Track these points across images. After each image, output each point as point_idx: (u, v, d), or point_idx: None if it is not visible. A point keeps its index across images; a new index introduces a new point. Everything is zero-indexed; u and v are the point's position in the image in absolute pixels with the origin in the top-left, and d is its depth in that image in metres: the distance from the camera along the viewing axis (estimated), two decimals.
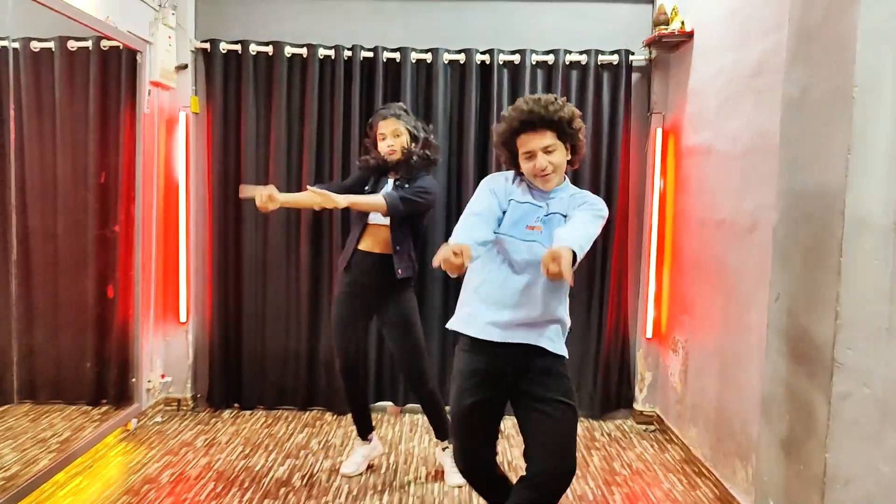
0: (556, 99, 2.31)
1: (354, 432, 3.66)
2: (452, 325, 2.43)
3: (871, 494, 2.12)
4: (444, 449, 3.52)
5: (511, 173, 2.44)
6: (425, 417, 3.55)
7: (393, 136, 3.28)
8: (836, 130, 2.11)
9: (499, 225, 2.33)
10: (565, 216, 2.33)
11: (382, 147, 3.30)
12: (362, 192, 3.36)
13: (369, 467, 3.59)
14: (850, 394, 2.12)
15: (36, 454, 3.45)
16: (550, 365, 2.32)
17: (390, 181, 3.36)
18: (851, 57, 2.04)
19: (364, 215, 3.35)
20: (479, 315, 2.33)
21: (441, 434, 3.50)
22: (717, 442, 3.42)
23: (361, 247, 3.37)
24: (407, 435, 4.11)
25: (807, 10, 2.30)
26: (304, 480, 3.44)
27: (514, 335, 2.30)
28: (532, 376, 2.31)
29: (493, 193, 2.36)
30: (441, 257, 1.99)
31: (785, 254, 2.43)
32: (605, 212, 2.35)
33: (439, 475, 3.53)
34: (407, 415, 4.45)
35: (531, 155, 2.30)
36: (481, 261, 2.33)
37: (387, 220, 3.30)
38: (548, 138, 2.28)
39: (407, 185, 3.29)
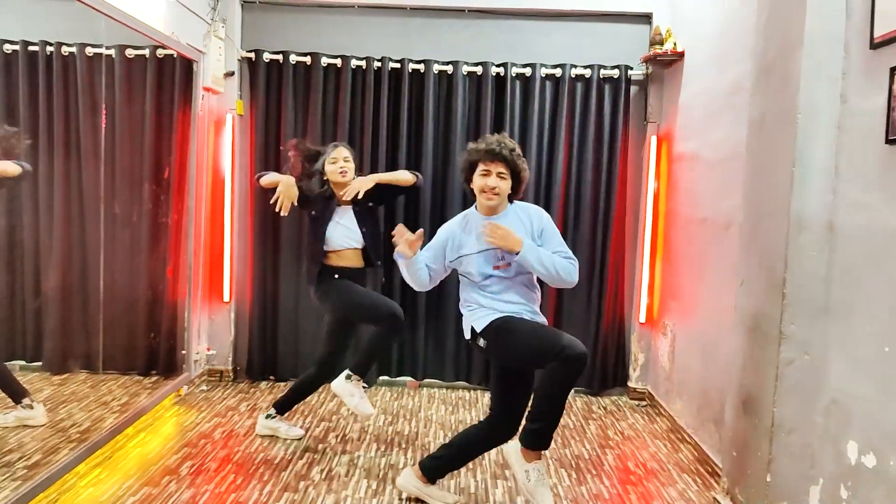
0: (516, 148, 2.97)
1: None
2: (480, 325, 3.00)
3: (808, 441, 2.64)
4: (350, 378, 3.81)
5: (467, 216, 3.10)
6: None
7: (344, 160, 3.79)
8: (785, 148, 2.62)
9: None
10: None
11: (334, 169, 3.76)
12: (311, 214, 3.83)
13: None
14: (793, 360, 2.63)
15: (101, 414, 3.97)
16: None
17: (344, 209, 3.81)
18: (795, 89, 2.55)
19: (328, 244, 3.79)
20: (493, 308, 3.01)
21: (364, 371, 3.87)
22: (696, 411, 3.93)
23: (338, 263, 3.80)
24: (426, 405, 4.63)
25: (766, 49, 2.81)
26: (338, 438, 3.97)
27: None
28: None
29: (442, 249, 3.08)
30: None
31: (747, 247, 2.95)
32: (575, 261, 2.98)
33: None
34: (424, 388, 4.97)
35: (487, 173, 2.93)
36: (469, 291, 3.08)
37: (356, 244, 3.81)
38: (502, 167, 2.93)
39: (370, 202, 3.83)
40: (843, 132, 2.50)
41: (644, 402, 4.83)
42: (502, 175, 2.92)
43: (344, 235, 3.80)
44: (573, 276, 2.90)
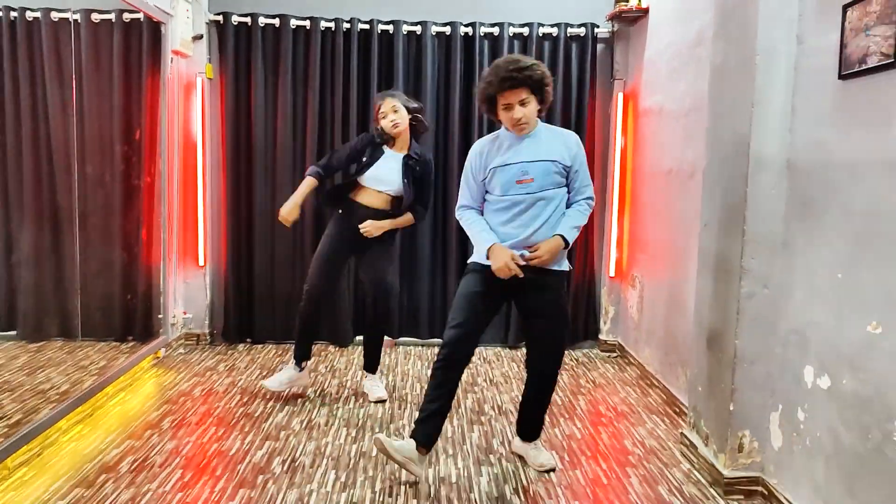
0: (531, 63, 2.78)
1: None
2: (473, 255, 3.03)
3: (769, 370, 2.76)
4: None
5: (493, 135, 3.00)
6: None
7: (392, 111, 3.73)
8: (744, 91, 2.72)
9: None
10: (553, 161, 2.88)
11: (386, 123, 3.73)
12: (358, 163, 3.76)
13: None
14: (753, 294, 2.75)
15: (80, 377, 4.00)
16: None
17: (391, 152, 3.78)
18: (754, 33, 2.65)
19: (362, 181, 3.77)
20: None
21: (373, 368, 4.07)
22: (664, 356, 4.07)
23: (362, 201, 3.79)
24: (402, 361, 4.72)
25: None
26: (317, 393, 4.04)
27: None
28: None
29: (472, 176, 2.99)
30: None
31: (710, 190, 3.06)
32: (593, 199, 3.04)
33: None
34: (400, 347, 5.05)
35: (509, 106, 2.81)
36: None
37: (389, 189, 3.76)
38: (523, 93, 2.78)
39: (417, 168, 3.78)
40: (800, 72, 2.60)
41: (615, 354, 4.97)
42: (525, 101, 2.78)
43: (375, 177, 3.76)
44: (586, 217, 3.01)
